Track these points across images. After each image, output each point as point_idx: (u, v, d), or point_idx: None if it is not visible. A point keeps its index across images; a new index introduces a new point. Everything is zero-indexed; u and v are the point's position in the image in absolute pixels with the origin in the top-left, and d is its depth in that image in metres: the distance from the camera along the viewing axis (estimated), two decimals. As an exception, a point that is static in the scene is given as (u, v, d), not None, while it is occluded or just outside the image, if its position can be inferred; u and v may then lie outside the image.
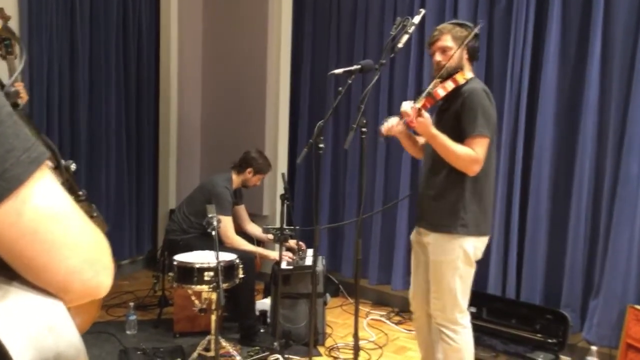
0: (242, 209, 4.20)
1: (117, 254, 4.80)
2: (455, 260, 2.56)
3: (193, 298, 3.23)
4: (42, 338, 0.56)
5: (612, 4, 3.32)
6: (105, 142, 4.62)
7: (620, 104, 3.31)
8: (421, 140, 2.82)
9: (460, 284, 2.59)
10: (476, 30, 2.53)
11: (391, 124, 2.59)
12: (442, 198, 2.59)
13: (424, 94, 2.50)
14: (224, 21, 4.99)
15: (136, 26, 4.81)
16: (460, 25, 2.62)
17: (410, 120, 2.43)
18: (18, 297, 0.57)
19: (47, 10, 4.05)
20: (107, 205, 4.62)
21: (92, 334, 3.56)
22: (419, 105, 2.45)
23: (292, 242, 3.85)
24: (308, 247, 3.91)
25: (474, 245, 2.58)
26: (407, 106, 2.50)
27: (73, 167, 0.97)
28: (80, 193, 1.01)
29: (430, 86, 2.54)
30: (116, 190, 4.73)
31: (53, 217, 0.58)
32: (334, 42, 4.64)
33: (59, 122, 4.25)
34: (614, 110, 3.34)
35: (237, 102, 4.92)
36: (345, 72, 2.54)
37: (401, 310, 4.30)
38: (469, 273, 2.61)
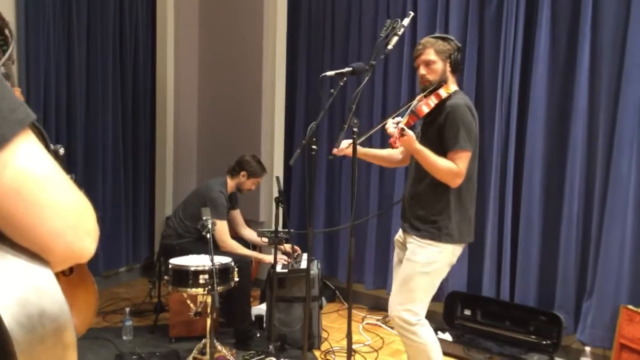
0: (237, 214, 4.21)
1: (114, 261, 4.80)
2: (431, 264, 2.62)
3: (188, 302, 3.24)
4: (26, 295, 0.58)
5: (600, 11, 3.36)
6: (102, 149, 4.64)
7: (610, 107, 3.35)
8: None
9: (428, 287, 2.64)
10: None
11: (341, 147, 2.63)
12: (428, 207, 2.64)
13: (407, 112, 2.58)
14: (220, 25, 5.03)
15: (133, 33, 4.85)
16: (443, 39, 2.68)
17: (394, 140, 2.51)
18: (3, 258, 0.60)
19: (44, 20, 4.09)
20: (103, 213, 4.62)
21: (88, 340, 3.56)
22: (402, 123, 2.51)
23: (287, 247, 3.87)
24: (304, 251, 3.92)
25: (453, 252, 2.66)
26: (392, 126, 2.57)
27: (62, 151, 1.00)
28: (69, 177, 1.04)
29: (414, 103, 2.63)
30: (113, 197, 4.74)
31: (36, 178, 0.60)
32: (329, 45, 4.69)
33: (56, 128, 4.27)
34: (603, 113, 3.37)
35: (233, 107, 4.95)
36: (337, 74, 2.59)
37: (397, 314, 4.30)
38: (440, 278, 2.68)
